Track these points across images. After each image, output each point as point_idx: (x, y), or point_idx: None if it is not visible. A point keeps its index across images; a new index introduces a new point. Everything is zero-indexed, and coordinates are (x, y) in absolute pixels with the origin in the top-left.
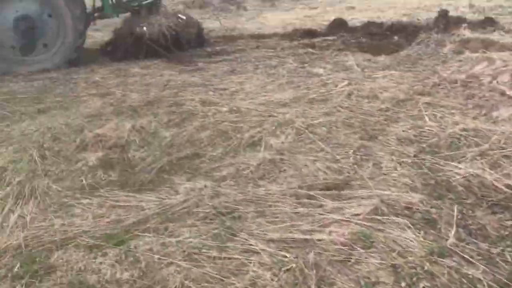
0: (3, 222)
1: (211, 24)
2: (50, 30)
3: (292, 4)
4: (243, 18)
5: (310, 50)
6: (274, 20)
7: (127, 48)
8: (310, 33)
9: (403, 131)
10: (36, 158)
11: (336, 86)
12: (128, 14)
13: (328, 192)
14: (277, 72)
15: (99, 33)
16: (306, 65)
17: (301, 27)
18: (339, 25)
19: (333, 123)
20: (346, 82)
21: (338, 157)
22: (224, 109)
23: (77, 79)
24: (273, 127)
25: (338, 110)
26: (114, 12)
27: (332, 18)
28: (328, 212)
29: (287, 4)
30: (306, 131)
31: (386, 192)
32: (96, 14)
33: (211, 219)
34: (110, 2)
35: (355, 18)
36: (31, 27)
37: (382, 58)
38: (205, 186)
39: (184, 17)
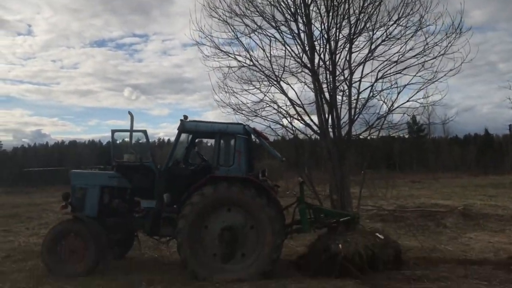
0: None
1: (408, 241)
2: (249, 241)
3: (500, 225)
4: (443, 237)
5: None
6: (481, 243)
7: (320, 265)
8: None
9: None
10: None
11: None
12: (324, 230)
13: None
14: None
15: (292, 243)
16: None
17: None
18: None
19: None
20: None
21: None
22: None
23: None
24: None
25: None
26: (312, 229)
27: None
28: None
29: (494, 224)
30: None
31: None
32: (293, 227)
33: None
34: (309, 218)
35: None
36: (234, 237)
37: None
38: None
39: (382, 237)
